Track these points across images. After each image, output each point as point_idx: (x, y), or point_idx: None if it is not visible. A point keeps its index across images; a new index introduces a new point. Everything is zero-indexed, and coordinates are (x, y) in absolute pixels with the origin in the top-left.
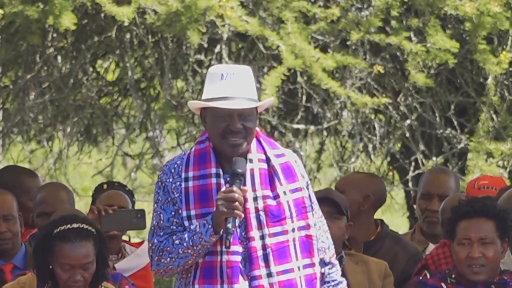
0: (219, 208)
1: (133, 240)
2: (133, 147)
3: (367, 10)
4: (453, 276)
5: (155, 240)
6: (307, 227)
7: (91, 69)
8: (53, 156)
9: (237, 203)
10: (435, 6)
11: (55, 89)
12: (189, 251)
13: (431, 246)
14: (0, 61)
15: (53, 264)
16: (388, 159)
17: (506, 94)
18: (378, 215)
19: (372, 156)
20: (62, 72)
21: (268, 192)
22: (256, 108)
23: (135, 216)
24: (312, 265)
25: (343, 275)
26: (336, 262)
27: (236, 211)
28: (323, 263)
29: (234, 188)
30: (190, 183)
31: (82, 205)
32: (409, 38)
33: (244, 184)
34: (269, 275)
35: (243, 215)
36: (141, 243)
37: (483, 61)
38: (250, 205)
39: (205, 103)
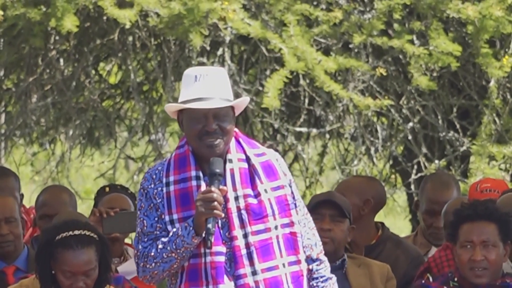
0: (199, 209)
1: None
2: (136, 150)
3: (369, 13)
4: (455, 279)
5: (140, 247)
6: (291, 224)
7: (93, 71)
8: (55, 159)
9: (216, 203)
10: (437, 9)
11: (57, 91)
12: (173, 254)
13: (434, 249)
14: (2, 63)
15: (55, 270)
16: (391, 162)
17: (509, 97)
18: (380, 218)
19: (375, 159)
20: (64, 74)
21: (249, 191)
22: (232, 109)
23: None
24: (297, 262)
25: (346, 278)
26: (325, 259)
27: (215, 211)
28: (310, 260)
29: (213, 188)
30: (171, 187)
31: (85, 207)
32: (411, 41)
33: (225, 184)
34: (254, 273)
35: (223, 215)
36: None
37: (486, 64)
38: (232, 204)
39: (178, 105)
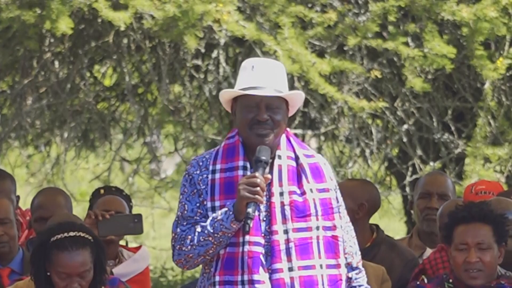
0: (241, 192)
1: (131, 245)
2: (131, 152)
3: (364, 15)
4: (450, 280)
5: (178, 230)
6: (333, 228)
7: (88, 74)
8: (50, 161)
9: (258, 188)
10: (432, 11)
11: (52, 94)
12: (210, 238)
13: (429, 251)
14: None
15: (50, 271)
16: (386, 164)
17: (503, 99)
18: (375, 220)
19: (370, 161)
20: (59, 77)
21: (294, 188)
22: (286, 104)
23: (132, 221)
24: (337, 266)
25: None
26: (363, 268)
27: (257, 196)
28: (350, 268)
29: (257, 174)
30: (217, 175)
31: (80, 210)
32: (406, 43)
33: (271, 178)
34: (291, 269)
35: (264, 201)
36: (139, 247)
37: (480, 66)
38: (276, 199)
39: (232, 90)
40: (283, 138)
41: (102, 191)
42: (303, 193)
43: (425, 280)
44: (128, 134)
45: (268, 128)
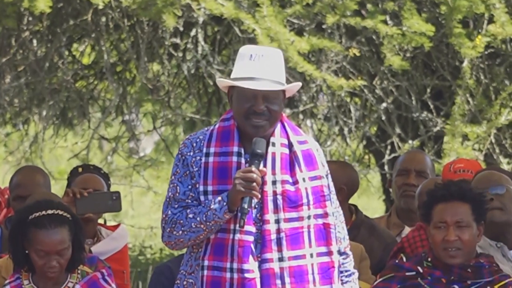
0: (237, 186)
1: (109, 223)
2: (109, 131)
3: None
4: (429, 259)
5: (169, 212)
6: (325, 215)
7: (66, 52)
8: (28, 140)
9: (254, 184)
10: None
11: (30, 72)
12: (202, 226)
13: (407, 229)
14: None
15: (28, 250)
16: (364, 142)
17: (482, 77)
18: (354, 199)
19: (348, 140)
20: (37, 55)
21: (287, 177)
22: (283, 92)
23: (110, 199)
24: (329, 253)
25: None
26: (350, 253)
27: (253, 192)
28: (338, 253)
29: (253, 168)
30: (211, 159)
31: (58, 188)
32: (384, 22)
33: (264, 166)
34: (281, 259)
35: (259, 196)
36: (117, 226)
37: (459, 44)
38: (268, 188)
39: (229, 81)
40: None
41: (80, 169)
42: (295, 183)
43: (404, 259)
44: (107, 113)
45: (264, 119)
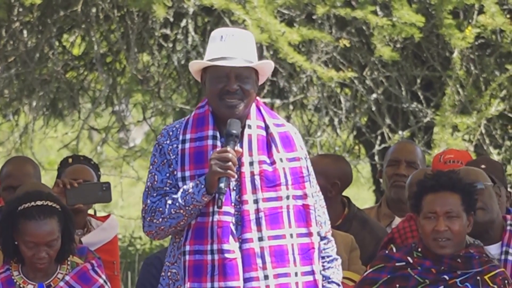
0: (212, 167)
1: (99, 214)
2: (99, 121)
3: None
4: (419, 249)
5: (148, 201)
6: (304, 196)
7: (57, 43)
8: (19, 130)
9: (230, 163)
10: None
11: (21, 63)
12: (181, 211)
13: (397, 220)
14: None
15: (18, 241)
16: (354, 133)
17: (472, 68)
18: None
19: (338, 130)
20: (28, 46)
21: (264, 158)
22: (256, 74)
23: (100, 189)
24: (309, 234)
25: None
26: (332, 238)
27: (229, 171)
28: (319, 237)
29: (228, 148)
30: (187, 145)
31: (48, 178)
32: (375, 12)
33: (241, 147)
34: (261, 239)
35: (236, 176)
36: (107, 216)
37: (449, 35)
38: (246, 169)
39: (201, 62)
40: (253, 107)
41: (70, 160)
42: (272, 163)
43: (394, 249)
44: (97, 103)
45: (238, 98)
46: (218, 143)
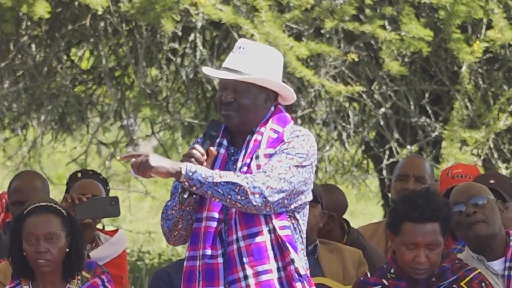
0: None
1: (107, 229)
2: (108, 136)
3: None
4: (391, 270)
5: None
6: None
7: (65, 57)
8: (27, 145)
9: (193, 160)
10: None
11: (29, 77)
12: (173, 212)
13: None
14: None
15: (23, 245)
16: (363, 147)
17: (480, 82)
18: (352, 203)
19: (347, 144)
20: (36, 60)
21: (247, 160)
22: (265, 89)
23: (109, 204)
24: (259, 233)
25: (318, 263)
26: (267, 172)
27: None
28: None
29: (196, 146)
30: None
31: (57, 193)
32: (383, 27)
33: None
34: (237, 239)
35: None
36: (115, 231)
37: (457, 49)
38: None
39: (206, 69)
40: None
41: (79, 174)
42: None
43: (368, 274)
44: (105, 118)
45: (232, 110)
46: (222, 150)
